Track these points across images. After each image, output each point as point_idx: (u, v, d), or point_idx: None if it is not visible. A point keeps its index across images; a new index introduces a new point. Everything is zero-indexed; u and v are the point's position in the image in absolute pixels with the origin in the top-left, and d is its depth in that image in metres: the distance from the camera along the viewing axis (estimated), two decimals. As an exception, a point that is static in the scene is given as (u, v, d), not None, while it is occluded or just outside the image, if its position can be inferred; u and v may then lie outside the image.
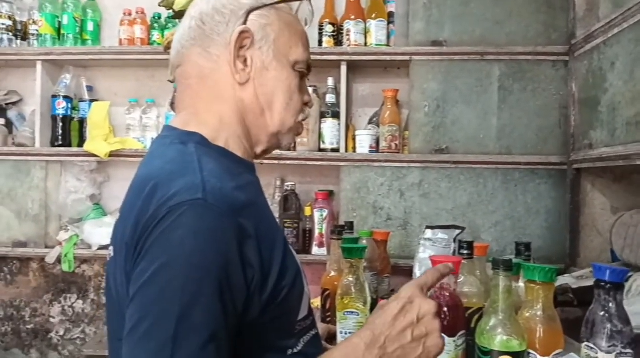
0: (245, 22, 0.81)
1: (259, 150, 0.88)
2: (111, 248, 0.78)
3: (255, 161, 0.89)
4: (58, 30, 2.28)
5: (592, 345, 0.85)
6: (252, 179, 0.84)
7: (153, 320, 0.63)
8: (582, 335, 0.88)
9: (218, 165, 0.74)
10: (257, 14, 0.82)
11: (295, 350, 0.77)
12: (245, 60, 0.82)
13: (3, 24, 2.27)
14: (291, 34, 0.86)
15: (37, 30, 2.28)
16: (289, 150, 2.13)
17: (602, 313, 0.85)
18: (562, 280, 1.57)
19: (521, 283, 1.06)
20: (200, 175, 0.69)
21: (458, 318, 0.94)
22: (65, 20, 2.26)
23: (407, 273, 1.66)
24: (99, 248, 2.17)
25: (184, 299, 0.62)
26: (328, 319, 1.36)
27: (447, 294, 0.93)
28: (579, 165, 1.86)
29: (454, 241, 1.41)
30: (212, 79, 0.82)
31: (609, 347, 0.83)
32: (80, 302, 2.34)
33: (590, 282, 1.43)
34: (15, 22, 2.30)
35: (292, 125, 0.87)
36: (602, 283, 0.85)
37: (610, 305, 0.84)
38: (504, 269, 0.89)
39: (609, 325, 0.84)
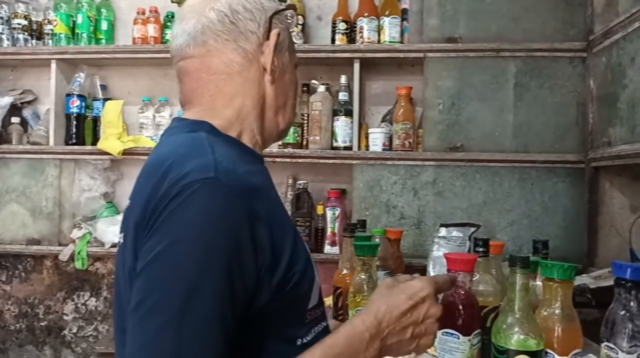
0: (270, 27, 0.84)
1: (269, 144, 0.91)
2: (121, 235, 0.78)
3: (265, 158, 0.89)
4: (72, 30, 2.29)
5: (612, 345, 0.82)
6: (262, 168, 0.84)
7: (160, 295, 0.63)
8: (602, 334, 0.85)
9: (229, 151, 0.75)
10: (276, 19, 0.85)
11: (305, 340, 0.75)
12: (273, 62, 0.84)
13: (19, 24, 2.29)
14: (290, 38, 0.90)
15: (51, 30, 2.30)
16: (301, 148, 2.11)
17: (622, 312, 0.82)
18: (580, 280, 1.53)
19: (538, 282, 1.04)
20: (212, 157, 0.70)
21: (473, 317, 0.92)
22: (79, 19, 2.27)
23: (421, 272, 1.63)
24: (111, 246, 2.18)
25: (192, 276, 0.62)
26: (340, 317, 1.34)
27: (462, 292, 0.91)
28: (597, 163, 1.82)
29: (469, 239, 1.39)
30: (242, 75, 0.83)
31: (630, 347, 0.80)
32: (93, 299, 2.35)
33: (608, 282, 1.40)
34: (30, 21, 2.33)
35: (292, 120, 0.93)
36: (623, 282, 0.82)
37: (632, 304, 0.81)
38: (520, 266, 0.87)
39: (630, 325, 0.81)
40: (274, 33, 0.83)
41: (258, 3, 0.84)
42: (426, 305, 0.77)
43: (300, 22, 2.15)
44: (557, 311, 0.87)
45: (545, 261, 0.94)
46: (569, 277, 0.86)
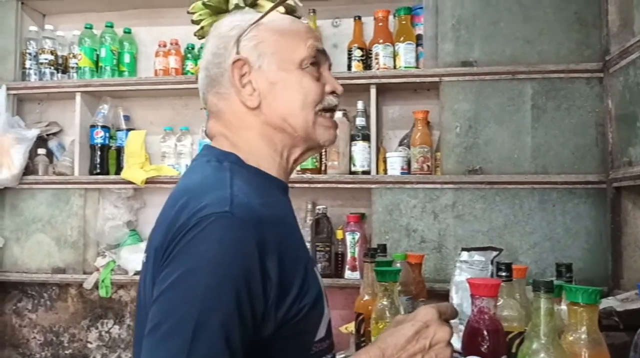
0: (238, 51, 0.85)
1: (297, 153, 0.89)
2: (144, 255, 0.82)
3: (289, 183, 0.93)
4: (96, 63, 2.37)
5: (642, 371, 0.81)
6: (282, 198, 0.88)
7: (173, 322, 0.66)
8: (631, 360, 0.84)
9: (248, 184, 0.79)
10: (246, 39, 0.86)
11: None
12: (251, 85, 0.85)
13: (46, 59, 2.38)
14: (288, 39, 0.87)
15: (76, 64, 2.38)
16: (320, 173, 2.13)
17: (651, 337, 0.81)
18: (606, 303, 1.50)
19: (563, 306, 1.03)
20: (229, 190, 0.74)
21: (498, 343, 0.91)
22: (103, 53, 2.35)
23: (443, 297, 1.62)
24: (135, 274, 2.21)
25: (204, 305, 0.66)
26: (363, 344, 1.33)
27: (487, 318, 0.90)
28: (618, 183, 1.80)
29: (491, 263, 1.38)
30: (231, 113, 0.87)
31: (661, 372, 0.79)
32: (117, 327, 2.37)
33: (636, 305, 1.37)
34: (56, 56, 2.41)
35: (314, 118, 0.87)
36: (650, 305, 0.81)
37: (660, 328, 0.80)
38: (545, 291, 0.86)
39: (659, 350, 0.80)
40: (228, 63, 0.85)
41: (224, 38, 0.87)
42: (432, 329, 0.75)
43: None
44: (583, 336, 0.85)
45: (570, 285, 0.93)
46: (594, 300, 0.85)
